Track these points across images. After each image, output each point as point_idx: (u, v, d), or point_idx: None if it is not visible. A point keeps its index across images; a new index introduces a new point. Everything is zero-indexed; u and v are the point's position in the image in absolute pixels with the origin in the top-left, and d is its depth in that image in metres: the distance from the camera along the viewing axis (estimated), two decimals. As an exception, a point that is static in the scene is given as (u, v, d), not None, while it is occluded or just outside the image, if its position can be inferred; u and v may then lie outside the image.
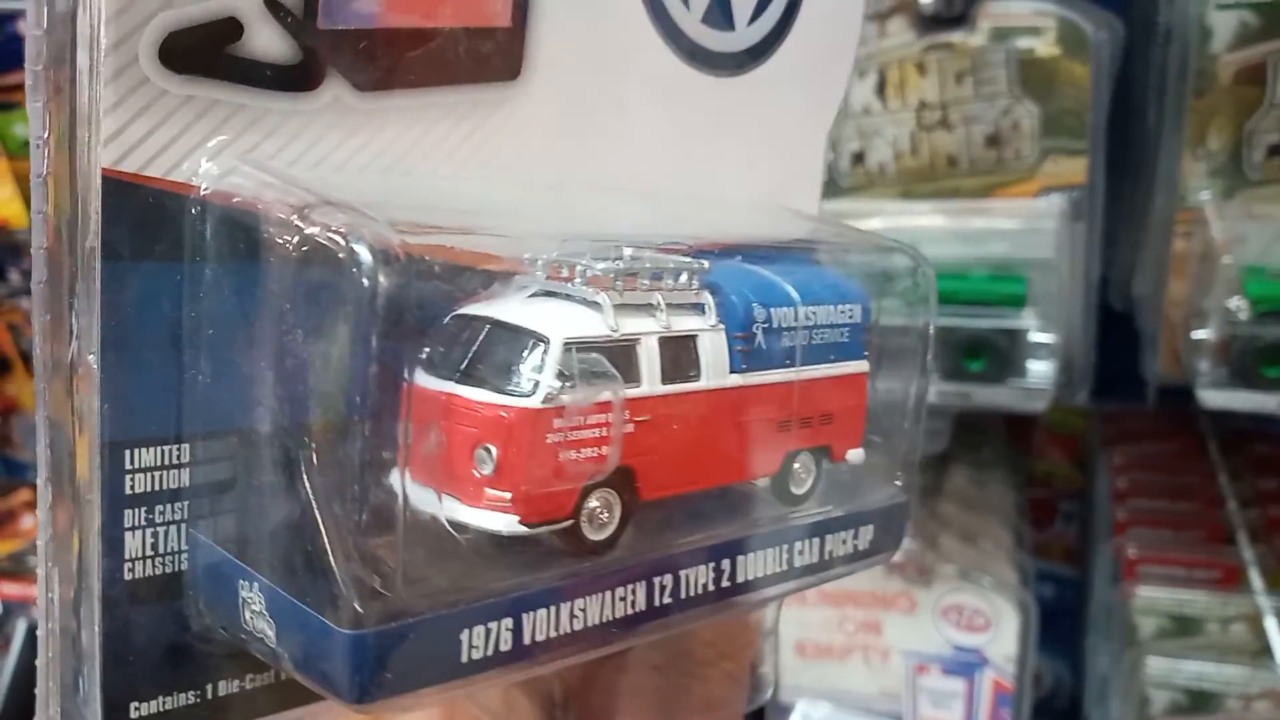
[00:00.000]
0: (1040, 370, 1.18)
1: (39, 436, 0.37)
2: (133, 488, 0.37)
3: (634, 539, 0.42)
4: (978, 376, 1.18)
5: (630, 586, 0.41)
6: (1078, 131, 1.19)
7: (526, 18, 0.43)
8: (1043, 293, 1.18)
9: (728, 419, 0.45)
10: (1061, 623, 1.58)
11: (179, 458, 0.37)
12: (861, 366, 0.49)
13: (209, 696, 0.39)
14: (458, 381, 0.39)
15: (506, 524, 0.38)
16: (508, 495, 0.38)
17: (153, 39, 0.35)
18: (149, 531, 0.37)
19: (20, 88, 0.35)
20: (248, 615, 0.37)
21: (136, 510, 0.37)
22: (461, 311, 0.40)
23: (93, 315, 0.35)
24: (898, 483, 0.52)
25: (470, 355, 0.39)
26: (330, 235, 0.34)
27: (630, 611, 0.41)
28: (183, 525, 0.38)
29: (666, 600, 0.43)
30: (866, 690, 1.41)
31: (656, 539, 0.43)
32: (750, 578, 0.45)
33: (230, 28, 0.36)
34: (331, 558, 0.35)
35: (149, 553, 0.37)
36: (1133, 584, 1.36)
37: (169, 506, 0.37)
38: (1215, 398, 1.07)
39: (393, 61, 0.40)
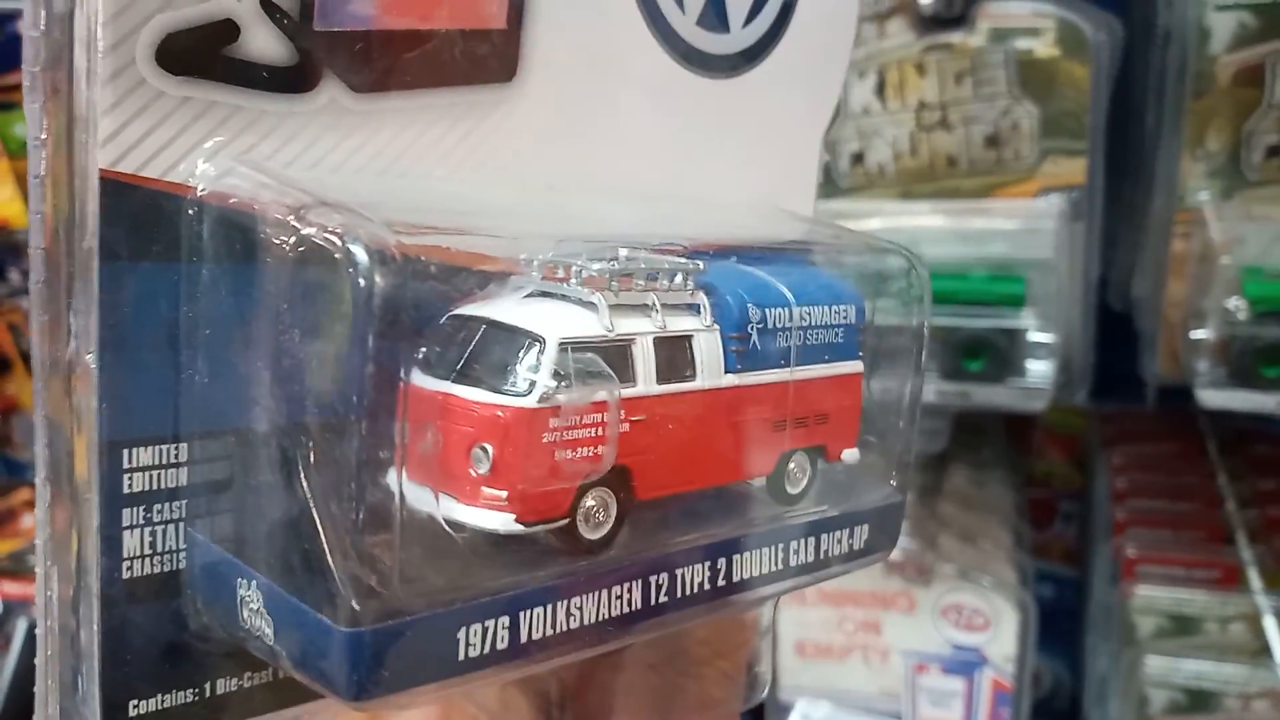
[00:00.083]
0: (1039, 370, 1.18)
1: (37, 436, 0.37)
2: (131, 487, 0.37)
3: (630, 538, 0.42)
4: (977, 376, 1.18)
5: (626, 585, 0.41)
6: (1077, 132, 1.19)
7: (522, 20, 0.43)
8: (1042, 293, 1.18)
9: (723, 419, 0.45)
10: (1061, 623, 1.58)
11: (177, 457, 0.38)
12: (856, 367, 0.50)
13: (207, 695, 0.39)
14: (454, 381, 0.39)
15: (503, 523, 0.38)
16: (504, 494, 0.38)
17: (150, 40, 0.35)
18: (147, 530, 0.37)
19: (20, 88, 0.36)
20: (245, 614, 0.37)
21: (134, 509, 0.37)
22: (458, 312, 0.40)
23: (90, 315, 0.35)
24: (893, 482, 0.52)
25: (466, 355, 0.39)
26: (326, 236, 0.34)
27: (626, 610, 0.41)
28: (180, 524, 0.38)
29: (663, 599, 0.43)
30: (866, 690, 1.42)
31: (652, 538, 0.43)
32: (746, 577, 0.45)
33: (227, 29, 0.36)
34: (329, 556, 0.35)
35: (147, 551, 0.37)
36: (1132, 583, 1.36)
37: (167, 505, 0.38)
38: (1214, 398, 1.07)
39: (389, 63, 0.40)
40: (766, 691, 0.60)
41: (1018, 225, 1.20)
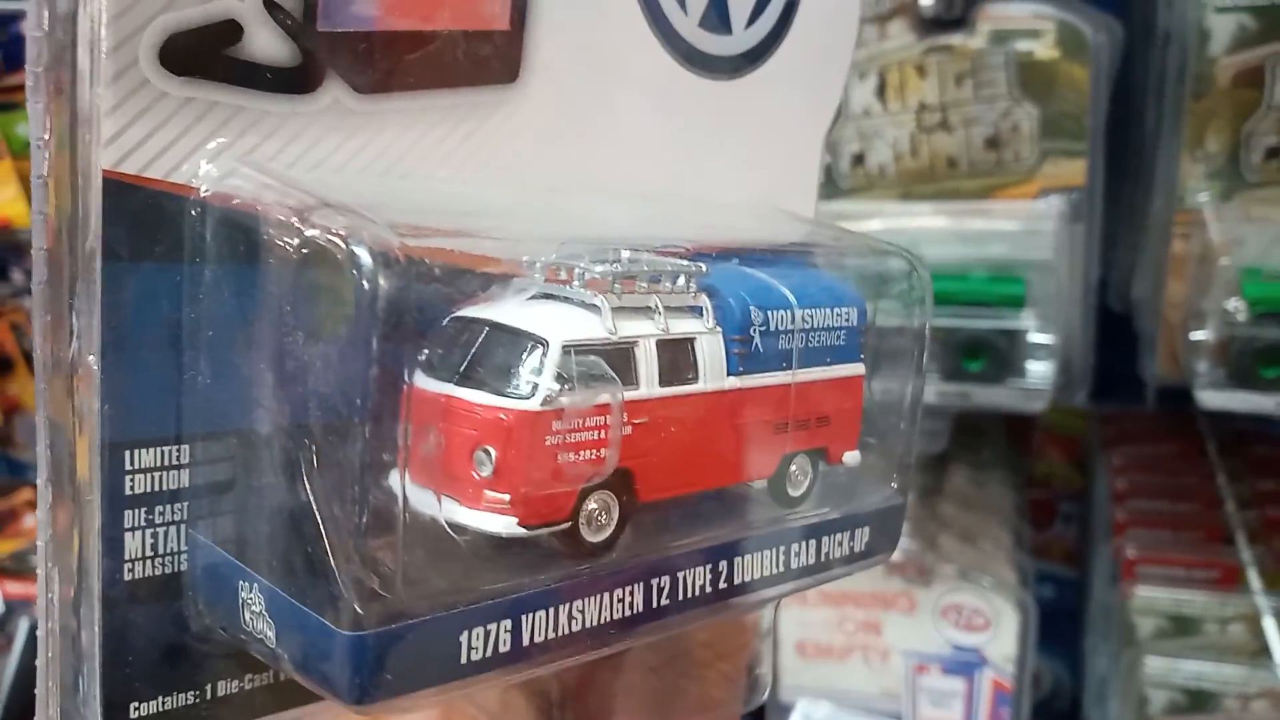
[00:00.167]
0: (1039, 371, 1.18)
1: (39, 437, 0.37)
2: (132, 488, 0.37)
3: (632, 540, 0.42)
4: (977, 377, 1.19)
5: (628, 588, 0.41)
6: (1077, 134, 1.19)
7: (525, 21, 0.43)
8: (1042, 294, 1.18)
9: (725, 421, 0.45)
10: (1061, 624, 1.58)
11: (179, 458, 0.38)
12: (858, 369, 0.50)
13: (208, 697, 0.39)
14: (457, 384, 0.39)
15: (505, 526, 0.38)
16: (506, 497, 0.38)
17: (153, 41, 0.35)
18: (149, 532, 0.37)
19: (23, 88, 0.36)
20: (247, 616, 0.37)
21: (136, 511, 0.37)
22: (460, 314, 0.40)
23: (93, 316, 0.35)
24: (894, 484, 0.52)
25: (469, 357, 0.39)
26: (330, 237, 0.34)
27: (628, 613, 0.42)
28: (182, 526, 0.38)
29: (664, 601, 0.43)
30: (867, 690, 1.42)
31: (654, 540, 0.43)
32: (747, 579, 0.45)
33: (230, 30, 0.36)
34: (331, 559, 0.35)
35: (149, 553, 0.37)
36: (1131, 584, 1.36)
37: (169, 507, 0.38)
38: (1214, 399, 1.08)
39: (391, 64, 0.40)
40: (767, 693, 0.60)
41: (1018, 226, 1.20)
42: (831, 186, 1.27)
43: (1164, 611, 1.33)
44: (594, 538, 0.41)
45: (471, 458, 0.38)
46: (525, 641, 0.38)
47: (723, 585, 0.45)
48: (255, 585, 0.37)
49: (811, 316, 0.47)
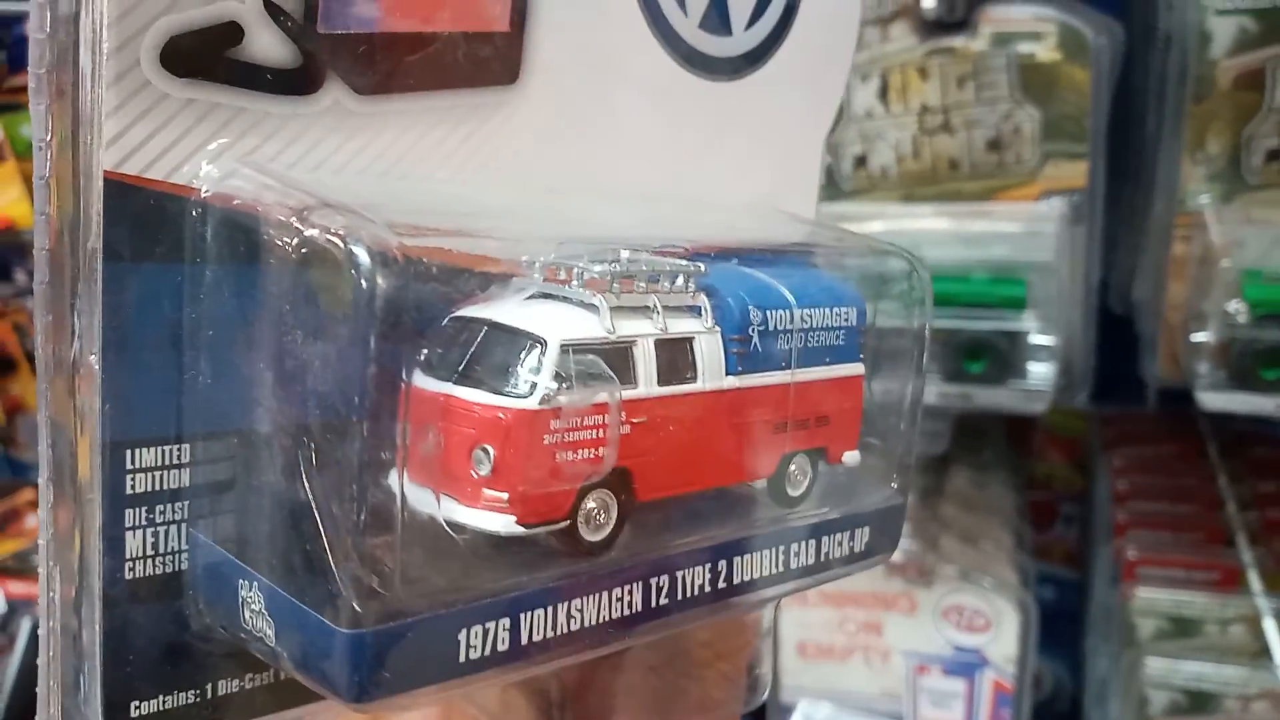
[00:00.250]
0: (1040, 372, 1.19)
1: (40, 436, 0.37)
2: (133, 487, 0.37)
3: (631, 539, 0.42)
4: (978, 378, 1.19)
5: (627, 587, 0.41)
6: (1078, 136, 1.19)
7: (525, 22, 0.43)
8: (1043, 295, 1.19)
9: (724, 421, 0.45)
10: (1062, 625, 1.58)
11: (179, 458, 0.38)
12: (857, 369, 0.50)
13: (209, 696, 0.39)
14: (455, 383, 0.39)
15: (504, 524, 0.38)
16: (505, 496, 0.38)
17: (154, 43, 0.35)
18: (149, 531, 0.37)
19: (27, 89, 0.36)
20: (247, 615, 0.37)
21: (137, 510, 0.37)
22: (459, 313, 0.40)
23: (94, 316, 0.35)
24: (894, 485, 0.52)
25: (468, 357, 0.39)
26: (329, 238, 0.34)
27: (627, 612, 0.42)
28: (183, 525, 0.38)
29: (663, 601, 0.43)
30: (867, 690, 1.42)
31: (653, 540, 0.43)
32: (747, 579, 0.46)
33: (231, 32, 0.36)
34: (330, 557, 0.35)
35: (149, 552, 0.37)
36: (1132, 585, 1.36)
37: (169, 506, 0.38)
38: (1214, 400, 1.08)
39: (392, 66, 0.40)
40: (767, 693, 0.60)
41: (1019, 228, 1.21)
42: (834, 188, 1.27)
43: (1164, 613, 1.33)
44: (592, 537, 0.41)
45: (470, 456, 0.38)
46: (524, 640, 0.38)
47: (722, 585, 0.45)
48: (255, 584, 0.37)
49: (810, 316, 0.47)
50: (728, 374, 0.44)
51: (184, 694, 0.39)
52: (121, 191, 0.35)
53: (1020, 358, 1.19)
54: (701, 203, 0.51)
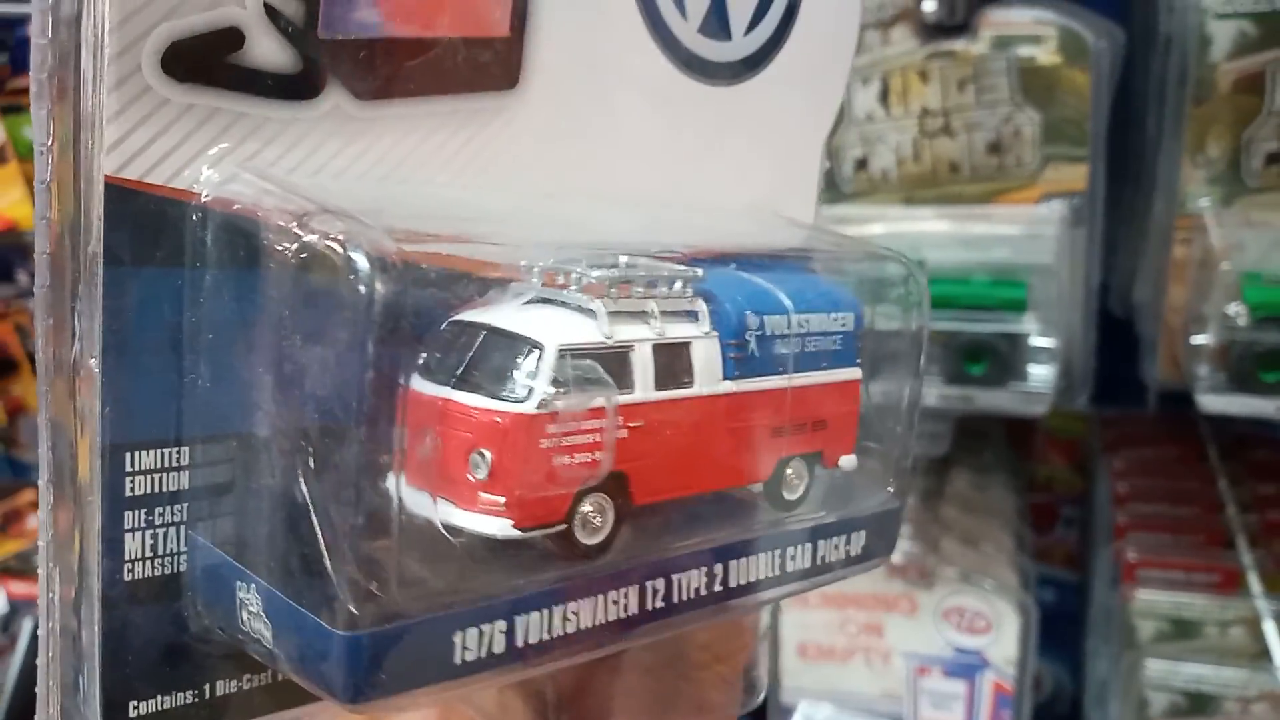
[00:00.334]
0: (1041, 374, 1.19)
1: (41, 438, 0.37)
2: (133, 490, 0.37)
3: (628, 542, 0.43)
4: (979, 380, 1.19)
5: (624, 590, 0.42)
6: (1078, 139, 1.19)
7: (525, 28, 0.44)
8: (1043, 298, 1.19)
9: (721, 425, 0.45)
10: (1062, 627, 1.58)
11: (179, 460, 0.38)
12: (854, 374, 0.50)
13: (207, 696, 0.39)
14: (453, 387, 0.39)
15: (500, 528, 0.38)
16: (501, 500, 0.38)
17: (155, 48, 0.35)
18: (148, 533, 0.37)
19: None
20: (245, 616, 0.37)
21: (136, 512, 0.37)
22: (458, 318, 0.40)
23: (94, 319, 0.36)
24: (890, 488, 0.52)
25: (466, 361, 0.39)
26: (328, 242, 0.34)
27: (624, 615, 0.42)
28: (182, 527, 0.38)
29: (660, 604, 0.43)
30: (868, 692, 1.42)
31: (650, 543, 0.43)
32: (744, 582, 0.46)
33: (232, 37, 0.37)
34: (328, 560, 0.35)
35: (148, 554, 0.38)
36: (1132, 587, 1.36)
37: (168, 508, 0.38)
38: (1214, 402, 1.08)
39: (392, 70, 0.40)
40: (763, 695, 0.60)
41: (1019, 231, 1.21)
42: (834, 191, 1.27)
43: (1164, 614, 1.34)
44: (589, 540, 0.41)
45: (467, 460, 0.38)
46: (519, 643, 0.38)
47: (719, 588, 0.45)
48: (253, 586, 0.37)
49: (807, 321, 0.47)
50: (725, 379, 0.45)
51: (182, 694, 0.39)
52: (122, 196, 0.35)
53: (1021, 360, 1.19)
54: (700, 207, 0.52)
